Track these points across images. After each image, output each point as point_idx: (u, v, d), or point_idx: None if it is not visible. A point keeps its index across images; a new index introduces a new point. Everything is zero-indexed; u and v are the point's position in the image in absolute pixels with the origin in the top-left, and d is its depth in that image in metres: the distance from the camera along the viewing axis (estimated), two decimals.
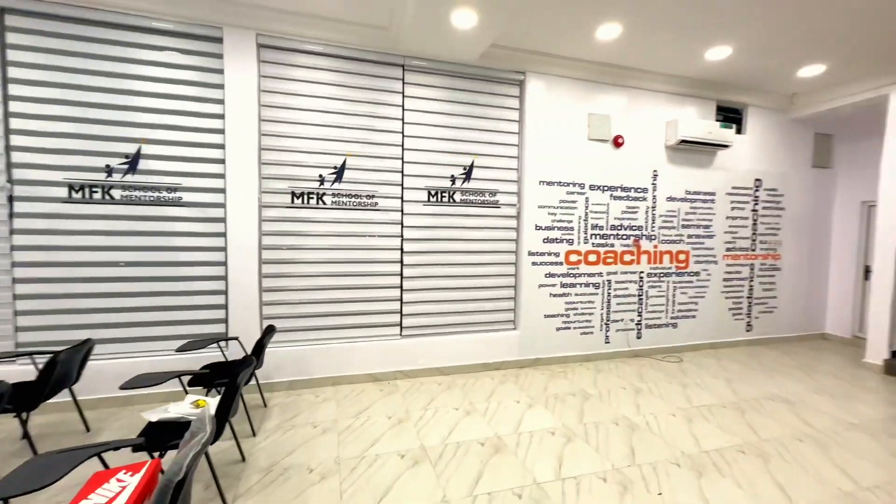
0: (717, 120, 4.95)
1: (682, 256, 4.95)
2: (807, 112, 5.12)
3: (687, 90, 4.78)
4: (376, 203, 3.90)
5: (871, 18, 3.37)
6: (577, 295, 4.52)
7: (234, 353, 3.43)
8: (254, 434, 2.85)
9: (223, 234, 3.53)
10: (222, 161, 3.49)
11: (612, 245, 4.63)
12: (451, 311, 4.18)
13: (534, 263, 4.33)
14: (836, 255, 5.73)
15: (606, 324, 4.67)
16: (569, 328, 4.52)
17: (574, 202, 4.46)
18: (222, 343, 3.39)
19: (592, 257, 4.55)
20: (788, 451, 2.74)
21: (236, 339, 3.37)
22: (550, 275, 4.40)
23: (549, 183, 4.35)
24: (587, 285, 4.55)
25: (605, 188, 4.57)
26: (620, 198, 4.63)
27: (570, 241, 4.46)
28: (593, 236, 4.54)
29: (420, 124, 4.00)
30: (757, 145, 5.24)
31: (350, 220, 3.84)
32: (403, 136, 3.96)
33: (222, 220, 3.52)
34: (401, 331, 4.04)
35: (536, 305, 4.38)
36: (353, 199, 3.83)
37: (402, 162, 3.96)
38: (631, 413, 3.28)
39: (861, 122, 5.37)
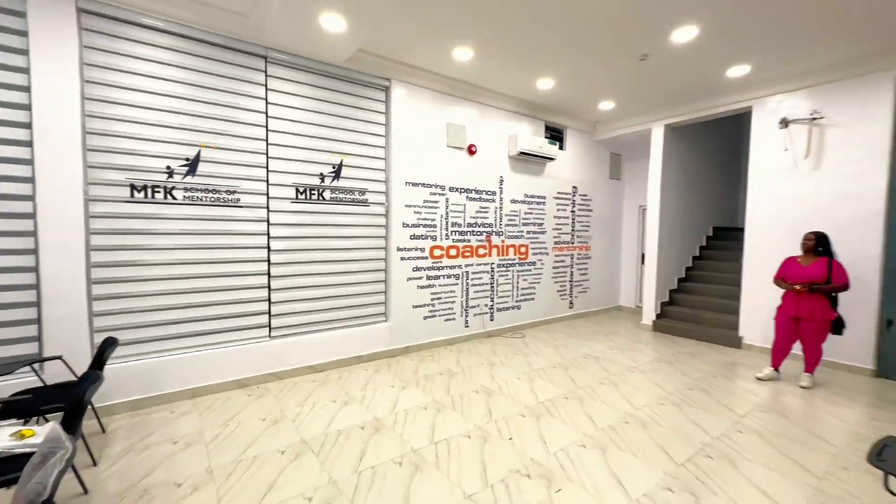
0: (546, 137, 6.06)
1: (523, 249, 5.92)
2: (604, 136, 6.66)
3: (524, 110, 5.73)
4: (238, 199, 3.68)
5: (637, 75, 4.64)
6: (440, 286, 5.02)
7: (55, 375, 2.85)
8: (94, 463, 2.47)
9: (32, 234, 2.89)
10: (29, 144, 2.85)
11: (469, 241, 5.27)
12: (324, 309, 4.21)
13: (402, 258, 4.66)
14: (625, 246, 7.58)
15: (466, 310, 5.30)
16: (434, 316, 4.99)
17: (436, 202, 4.94)
18: (37, 365, 2.80)
19: (453, 252, 5.11)
20: (595, 392, 3.66)
21: (59, 357, 2.81)
22: (417, 268, 4.80)
23: (414, 184, 4.73)
24: (449, 277, 5.09)
25: (462, 190, 5.18)
26: (474, 199, 5.31)
27: (434, 238, 4.93)
28: (453, 233, 5.11)
29: (286, 120, 3.92)
30: (574, 159, 6.59)
31: (208, 216, 3.54)
32: (268, 130, 3.82)
33: (30, 216, 2.88)
34: (270, 332, 3.91)
35: (405, 297, 4.72)
36: (210, 195, 3.54)
37: (267, 157, 3.82)
38: (488, 382, 3.88)
39: (638, 146, 7.22)
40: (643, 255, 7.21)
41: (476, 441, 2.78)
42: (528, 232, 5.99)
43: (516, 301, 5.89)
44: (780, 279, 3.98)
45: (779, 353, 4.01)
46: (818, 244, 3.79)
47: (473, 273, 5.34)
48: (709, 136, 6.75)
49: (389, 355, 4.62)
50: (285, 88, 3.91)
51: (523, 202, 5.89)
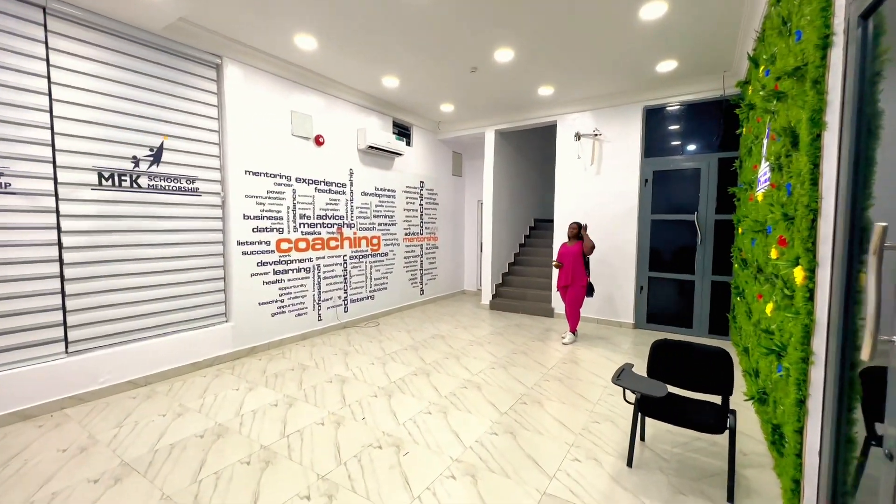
0: (394, 133, 6.33)
1: (375, 241, 6.10)
2: (447, 136, 7.29)
3: (372, 105, 5.88)
4: (8, 184, 2.90)
5: (470, 84, 5.25)
6: (290, 280, 4.84)
7: None
8: None
9: None
10: None
11: (320, 233, 5.20)
12: (146, 314, 3.65)
13: (244, 253, 4.34)
14: (467, 236, 8.46)
15: (319, 304, 5.23)
16: (284, 312, 4.80)
17: (282, 193, 4.72)
18: None
19: (302, 244, 4.97)
20: (441, 366, 4.11)
21: None
22: (263, 263, 4.53)
23: (255, 173, 4.42)
24: (299, 270, 4.94)
25: (311, 181, 5.06)
26: (324, 191, 5.24)
27: (281, 230, 4.72)
28: (302, 225, 4.96)
29: (81, 89, 3.23)
30: (420, 156, 7.04)
31: None
32: (52, 99, 3.09)
33: None
34: (67, 347, 3.21)
35: (249, 295, 4.41)
36: None
37: (53, 133, 3.10)
38: (342, 371, 3.96)
39: (476, 147, 8.11)
40: (481, 244, 8.19)
41: (330, 427, 2.87)
42: (380, 224, 6.19)
43: (370, 291, 6.05)
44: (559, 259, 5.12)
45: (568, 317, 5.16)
46: (579, 230, 4.97)
47: (325, 266, 5.29)
48: (530, 141, 8.02)
49: (233, 358, 4.27)
50: (79, 51, 3.22)
51: (374, 195, 6.06)
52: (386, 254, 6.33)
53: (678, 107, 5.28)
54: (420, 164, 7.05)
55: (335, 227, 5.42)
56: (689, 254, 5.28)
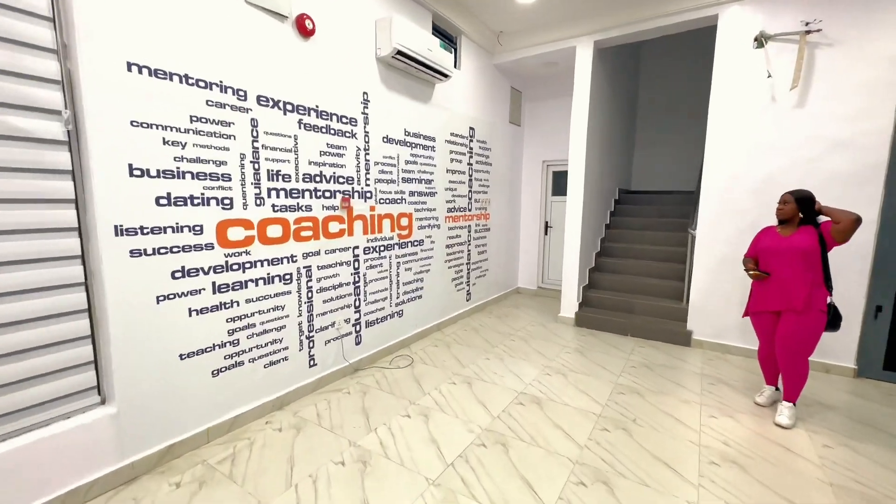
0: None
1: (404, 221, 3.68)
2: (507, 58, 4.71)
3: None
4: None
5: None
6: (250, 302, 2.47)
7: None
8: None
9: None
10: None
11: (310, 208, 2.79)
12: None
13: (138, 253, 1.95)
14: (525, 212, 5.99)
15: (310, 338, 2.88)
16: (240, 365, 2.46)
17: (229, 125, 2.29)
18: None
19: (275, 230, 2.58)
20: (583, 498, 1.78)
21: None
22: (187, 272, 2.15)
23: (158, 74, 1.98)
24: (269, 280, 2.57)
25: (290, 107, 2.61)
26: (317, 128, 2.80)
27: (228, 203, 2.31)
28: (274, 192, 2.55)
29: None
30: (471, 86, 4.51)
31: None
32: None
33: None
34: None
35: (156, 341, 2.06)
36: None
37: None
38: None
39: (541, 82, 5.53)
40: (546, 224, 5.74)
41: None
42: (412, 193, 3.76)
43: (396, 304, 3.69)
44: (751, 257, 2.72)
45: (768, 365, 2.78)
46: (805, 208, 2.53)
47: (322, 266, 2.91)
48: (628, 68, 5.43)
49: (120, 481, 1.96)
50: None
51: (403, 144, 3.60)
52: (421, 241, 3.92)
53: None
54: (470, 99, 4.52)
55: (339, 196, 3.00)
56: None
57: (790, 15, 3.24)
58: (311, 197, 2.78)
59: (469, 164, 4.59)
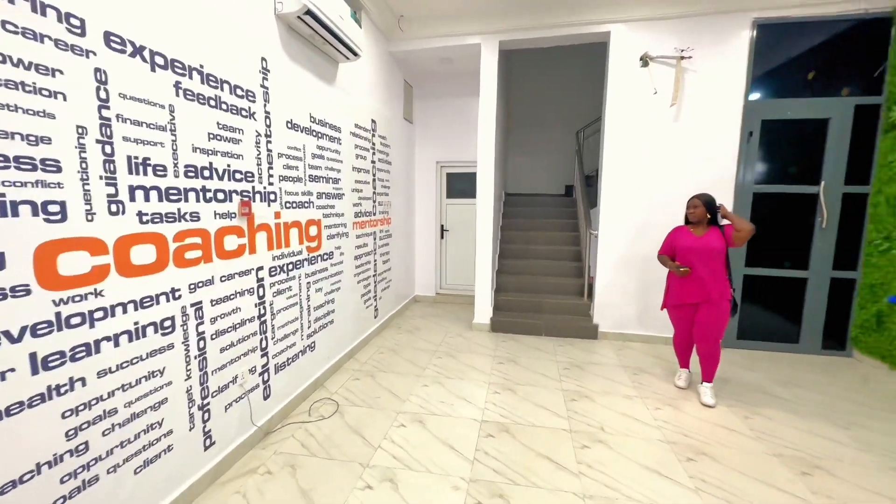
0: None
1: (312, 230, 2.92)
2: (405, 47, 4.28)
3: None
4: None
5: None
6: (105, 375, 1.49)
7: None
8: None
9: None
10: None
11: (197, 216, 1.88)
12: None
13: None
14: (420, 216, 5.65)
15: (204, 407, 1.96)
16: (92, 483, 1.46)
17: (52, 74, 1.30)
18: None
19: (145, 252, 1.63)
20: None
21: None
22: None
23: None
24: (138, 334, 1.61)
25: (162, 60, 1.69)
26: (204, 98, 1.90)
27: (57, 211, 1.32)
28: (140, 193, 1.60)
29: None
30: (372, 72, 3.93)
31: None
32: None
33: None
34: None
35: None
36: None
37: None
38: None
39: (433, 79, 5.28)
40: (443, 228, 5.54)
41: None
42: (320, 195, 3.01)
43: (307, 336, 2.90)
44: (668, 255, 3.02)
45: (683, 350, 3.13)
46: (710, 211, 2.96)
47: (216, 302, 2.01)
48: (522, 69, 5.60)
49: None
50: None
51: (309, 132, 2.85)
52: (331, 254, 3.20)
53: (808, 24, 3.57)
54: (372, 88, 3.95)
55: (237, 200, 2.13)
56: (803, 241, 3.77)
57: (668, 40, 3.71)
58: (198, 200, 1.88)
59: (372, 161, 4.02)
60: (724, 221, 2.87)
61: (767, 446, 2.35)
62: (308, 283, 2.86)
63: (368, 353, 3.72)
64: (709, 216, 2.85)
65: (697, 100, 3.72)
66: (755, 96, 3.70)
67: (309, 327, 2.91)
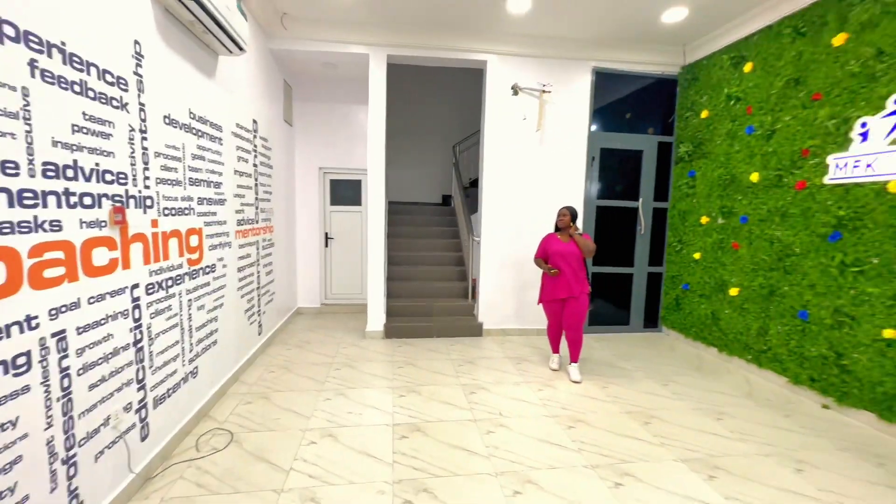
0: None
1: (193, 240, 2.58)
2: (287, 46, 4.08)
3: None
4: None
5: None
6: None
7: None
8: None
9: None
10: None
11: (59, 225, 1.53)
12: None
13: None
14: (301, 223, 5.34)
15: (69, 460, 1.58)
16: None
17: None
18: None
19: None
20: None
21: None
22: None
23: None
24: None
25: (12, 30, 1.35)
26: (66, 82, 1.57)
27: None
28: None
29: None
30: (252, 69, 3.63)
31: None
32: None
33: None
34: None
35: None
36: None
37: None
38: None
39: (317, 80, 5.11)
40: (327, 236, 5.40)
41: None
42: (201, 201, 2.68)
43: (189, 361, 2.54)
44: (542, 258, 3.58)
45: (554, 337, 3.72)
46: (573, 219, 3.66)
47: (82, 329, 1.65)
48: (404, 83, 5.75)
49: None
50: None
51: (189, 130, 2.52)
52: (213, 267, 2.85)
53: (628, 76, 4.58)
54: (253, 85, 3.65)
55: (108, 205, 1.79)
56: (629, 245, 4.80)
57: (533, 76, 4.35)
58: (59, 205, 1.53)
59: (255, 164, 3.70)
60: (581, 230, 3.52)
61: (620, 407, 2.98)
62: (189, 300, 2.52)
63: (256, 374, 3.40)
64: (572, 225, 3.46)
65: (556, 127, 4.46)
66: (595, 128, 4.61)
67: (191, 350, 2.55)
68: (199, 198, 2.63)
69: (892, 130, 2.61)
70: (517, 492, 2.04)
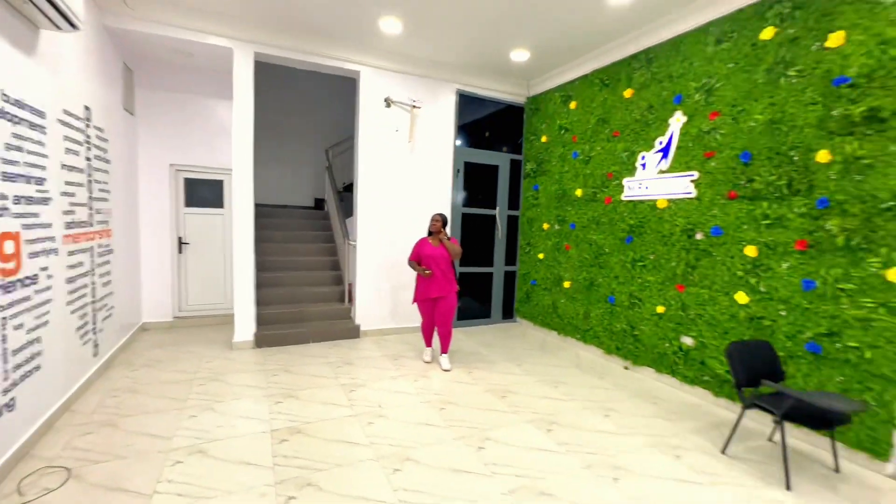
0: None
1: (8, 247, 2.15)
2: (129, 26, 3.60)
3: None
4: None
5: None
6: None
7: None
8: None
9: None
10: None
11: None
12: None
13: None
14: (147, 226, 4.67)
15: None
16: None
17: None
18: None
19: None
20: None
21: None
22: None
23: None
24: None
25: None
26: None
27: None
28: None
29: None
30: (82, 48, 3.12)
31: None
32: None
33: None
34: None
35: None
36: None
37: None
38: None
39: (168, 69, 4.57)
40: (181, 241, 4.89)
41: None
42: (18, 200, 2.24)
43: (5, 392, 2.11)
44: (415, 261, 3.89)
45: (427, 332, 4.08)
46: (444, 225, 4.09)
47: None
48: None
49: None
50: None
51: (2, 116, 2.10)
52: (35, 278, 2.40)
53: (486, 101, 5.23)
54: (83, 66, 3.13)
55: None
56: (489, 247, 5.47)
57: (404, 91, 4.67)
58: None
59: (88, 158, 3.18)
60: (448, 235, 3.95)
61: (483, 387, 3.46)
62: (3, 318, 2.10)
63: (95, 400, 2.93)
64: (443, 230, 3.85)
65: (426, 140, 4.86)
66: (459, 143, 5.16)
67: (6, 379, 2.12)
68: (15, 196, 2.21)
69: (658, 163, 3.65)
70: (397, 469, 2.28)
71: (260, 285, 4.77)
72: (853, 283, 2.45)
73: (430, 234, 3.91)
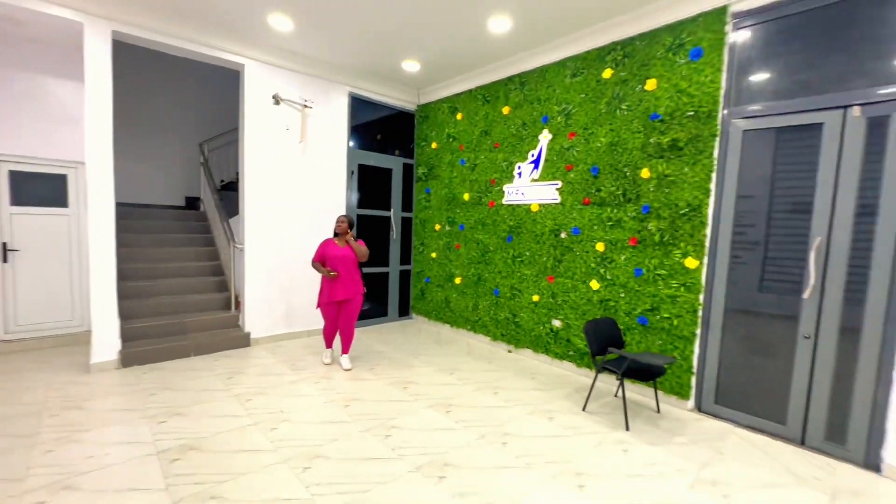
0: None
1: None
2: None
3: None
4: None
5: None
6: None
7: None
8: None
9: None
10: None
11: None
12: None
13: None
14: None
15: None
16: None
17: None
18: None
19: None
20: None
21: None
22: None
23: None
24: None
25: None
26: None
27: None
28: None
29: None
30: None
31: None
32: None
33: None
34: None
35: None
36: None
37: None
38: None
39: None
40: (5, 247, 4.06)
41: None
42: None
43: None
44: (319, 262, 3.86)
45: (329, 335, 4.08)
46: (350, 226, 4.13)
47: None
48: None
49: None
50: None
51: None
52: None
53: (378, 105, 5.36)
54: None
55: None
56: (385, 248, 5.62)
57: (295, 89, 4.55)
58: None
59: None
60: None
61: (385, 381, 3.63)
62: None
63: None
64: (350, 231, 3.87)
65: (318, 141, 4.80)
66: (353, 145, 5.21)
67: None
68: None
69: (531, 172, 4.25)
70: (307, 467, 2.32)
71: (125, 296, 4.17)
72: (665, 269, 3.26)
73: (336, 235, 3.90)
